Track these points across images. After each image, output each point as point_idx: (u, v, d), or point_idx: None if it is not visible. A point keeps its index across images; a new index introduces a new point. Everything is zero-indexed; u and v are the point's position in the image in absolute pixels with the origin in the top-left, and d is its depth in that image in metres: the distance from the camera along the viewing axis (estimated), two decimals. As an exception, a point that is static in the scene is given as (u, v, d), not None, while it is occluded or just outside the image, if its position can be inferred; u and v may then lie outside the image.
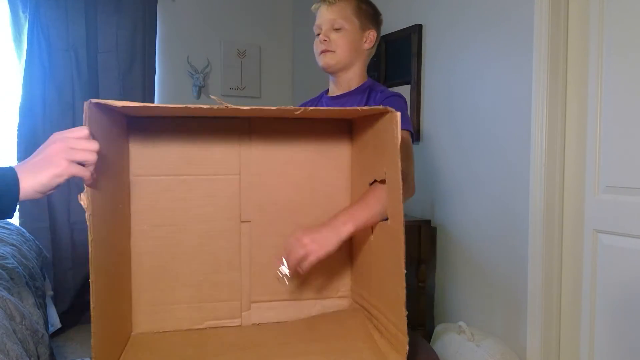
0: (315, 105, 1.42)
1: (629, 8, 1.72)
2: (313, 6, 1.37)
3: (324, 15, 1.32)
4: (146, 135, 1.02)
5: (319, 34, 1.34)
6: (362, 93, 1.35)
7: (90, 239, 0.77)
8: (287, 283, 1.07)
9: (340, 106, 1.34)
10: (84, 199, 0.76)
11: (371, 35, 1.36)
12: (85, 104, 0.77)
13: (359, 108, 0.91)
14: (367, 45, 1.36)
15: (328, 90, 1.44)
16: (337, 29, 1.31)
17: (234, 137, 1.06)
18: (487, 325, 2.18)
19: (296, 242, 0.96)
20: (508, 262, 2.09)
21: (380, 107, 0.89)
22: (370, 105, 1.26)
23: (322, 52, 1.33)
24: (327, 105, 1.38)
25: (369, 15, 1.36)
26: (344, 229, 0.97)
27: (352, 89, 1.36)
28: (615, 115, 1.77)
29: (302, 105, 1.48)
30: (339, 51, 1.31)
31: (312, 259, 0.95)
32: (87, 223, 0.77)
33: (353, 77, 1.36)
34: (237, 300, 1.08)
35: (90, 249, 0.77)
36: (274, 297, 1.10)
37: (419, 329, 2.38)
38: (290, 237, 0.98)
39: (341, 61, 1.32)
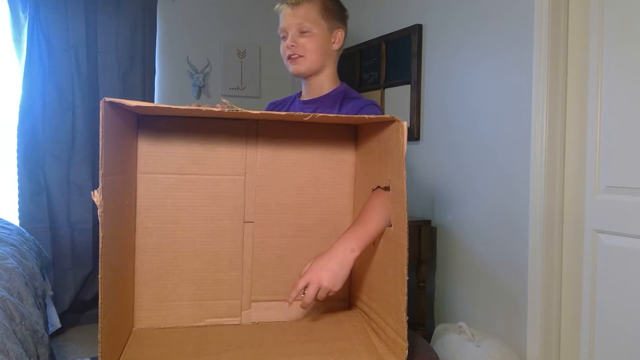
0: (287, 107, 1.39)
1: (630, 4, 1.72)
2: (276, 7, 1.32)
3: (289, 19, 1.27)
4: (155, 134, 1.03)
5: (284, 37, 1.29)
6: (335, 100, 1.30)
7: (101, 235, 0.78)
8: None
9: (312, 111, 1.31)
10: (97, 196, 0.77)
11: (339, 35, 1.32)
12: (101, 102, 0.78)
13: (366, 116, 0.92)
14: (336, 46, 1.32)
15: (301, 92, 1.40)
16: (304, 33, 1.26)
17: (240, 138, 1.08)
18: (487, 326, 2.18)
19: (310, 286, 0.95)
20: (508, 262, 2.09)
21: (387, 116, 0.91)
22: (343, 114, 1.25)
23: (291, 58, 1.28)
24: (298, 109, 1.34)
25: (335, 13, 1.31)
26: (352, 256, 0.98)
27: (324, 93, 1.33)
28: (615, 115, 1.77)
29: (272, 103, 1.45)
30: (309, 56, 1.27)
31: (332, 294, 0.97)
32: (99, 220, 0.78)
33: (325, 81, 1.32)
34: (237, 299, 1.09)
35: (100, 246, 0.78)
36: (274, 297, 1.12)
37: (419, 329, 2.38)
38: (300, 280, 0.97)
39: (312, 67, 1.29)
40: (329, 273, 0.95)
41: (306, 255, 1.12)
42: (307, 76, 1.32)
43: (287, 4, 1.29)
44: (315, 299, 0.96)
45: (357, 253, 0.98)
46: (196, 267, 1.07)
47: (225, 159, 1.07)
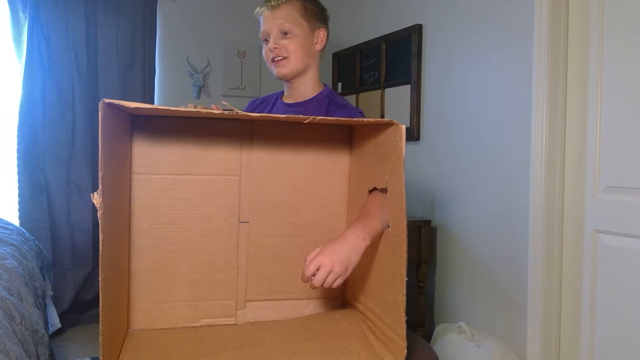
0: (270, 108, 1.38)
1: (630, 2, 1.72)
2: (256, 11, 1.31)
3: (270, 21, 1.27)
4: (150, 134, 1.03)
5: (266, 40, 1.29)
6: (320, 104, 1.30)
7: (101, 237, 0.78)
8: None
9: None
10: (97, 199, 0.77)
11: (322, 35, 1.31)
12: (100, 103, 0.78)
13: (365, 120, 0.93)
14: (319, 46, 1.32)
15: (283, 92, 1.39)
16: (285, 35, 1.26)
17: (236, 138, 1.07)
18: (487, 326, 2.18)
19: (321, 269, 0.92)
20: (508, 262, 2.09)
21: (386, 119, 0.92)
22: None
23: (274, 60, 1.28)
24: (282, 112, 1.33)
25: (315, 14, 1.31)
26: (363, 244, 0.96)
27: (309, 97, 1.32)
28: (615, 115, 1.77)
29: (252, 102, 1.44)
30: (292, 57, 1.26)
31: (340, 281, 0.94)
32: (99, 222, 0.78)
33: (308, 83, 1.32)
34: (232, 299, 1.10)
35: (101, 248, 0.78)
36: (269, 297, 1.12)
37: (419, 329, 2.38)
38: (310, 263, 0.93)
39: (296, 68, 1.28)
40: (341, 257, 0.93)
41: (301, 254, 1.12)
42: (290, 78, 1.31)
43: (267, 7, 1.28)
44: (323, 284, 0.93)
45: (367, 242, 0.96)
46: (191, 268, 1.06)
47: (220, 159, 1.07)
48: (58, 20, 2.81)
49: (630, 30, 1.72)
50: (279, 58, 1.27)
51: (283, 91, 1.39)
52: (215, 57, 3.35)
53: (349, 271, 0.94)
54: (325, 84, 1.36)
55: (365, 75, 2.98)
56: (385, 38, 2.79)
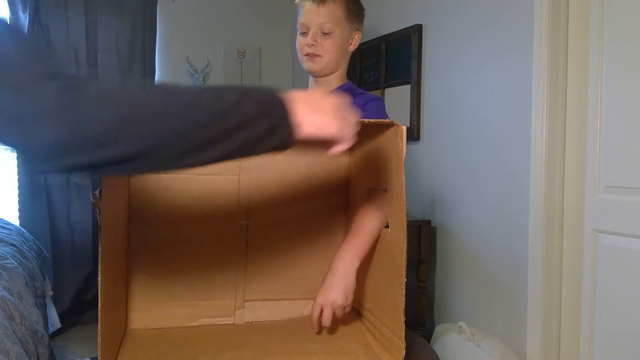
0: None
1: (630, 4, 1.71)
2: (297, 0, 1.30)
3: (312, 17, 1.26)
4: None
5: (304, 33, 1.28)
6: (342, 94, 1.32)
7: (100, 237, 0.78)
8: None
9: None
10: (96, 199, 0.77)
11: (357, 37, 1.33)
12: None
13: (366, 120, 0.93)
14: (352, 47, 1.33)
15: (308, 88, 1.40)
16: (326, 34, 1.26)
17: None
18: (487, 325, 2.18)
19: (325, 309, 0.98)
20: (508, 262, 2.09)
21: (387, 120, 0.91)
22: None
23: (308, 55, 1.28)
24: None
25: (356, 14, 1.32)
26: (352, 267, 1.00)
27: (331, 89, 1.33)
28: (615, 115, 1.77)
29: None
30: (326, 57, 1.27)
31: (348, 308, 1.00)
32: (99, 222, 0.78)
33: (334, 80, 1.33)
34: (231, 298, 1.09)
35: (100, 249, 0.78)
36: (268, 297, 1.12)
37: (419, 329, 2.38)
38: (313, 308, 0.99)
39: (327, 67, 1.29)
40: (337, 290, 0.98)
41: (300, 255, 1.12)
42: (319, 75, 1.32)
43: (313, 0, 1.27)
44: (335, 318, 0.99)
45: (356, 265, 1.00)
46: (190, 267, 1.06)
47: None
48: (58, 20, 2.81)
49: (630, 32, 1.71)
50: (313, 55, 1.27)
51: (307, 88, 1.40)
52: (215, 57, 3.35)
53: (351, 297, 0.99)
54: (348, 79, 1.37)
55: (365, 75, 2.98)
56: (385, 38, 2.79)
